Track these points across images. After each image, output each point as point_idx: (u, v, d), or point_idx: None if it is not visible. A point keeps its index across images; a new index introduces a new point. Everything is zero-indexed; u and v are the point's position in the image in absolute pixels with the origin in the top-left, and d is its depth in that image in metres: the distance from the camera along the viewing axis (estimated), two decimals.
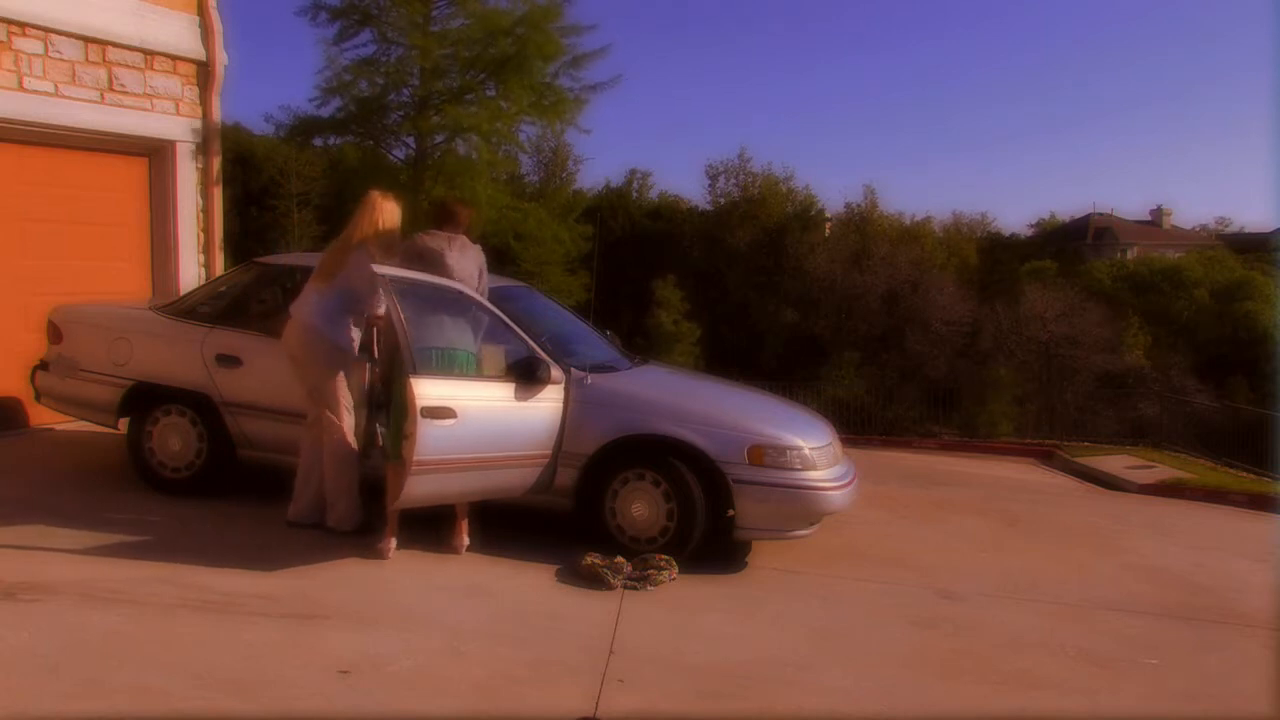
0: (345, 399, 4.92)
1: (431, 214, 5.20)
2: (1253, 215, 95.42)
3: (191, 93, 8.29)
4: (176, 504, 5.34)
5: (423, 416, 4.40)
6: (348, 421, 4.92)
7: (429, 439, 4.43)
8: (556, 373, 5.03)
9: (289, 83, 53.06)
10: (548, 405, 4.99)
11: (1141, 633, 4.68)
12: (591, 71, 13.41)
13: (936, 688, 3.84)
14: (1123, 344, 27.80)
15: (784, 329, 31.08)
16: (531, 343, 5.08)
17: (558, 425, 5.01)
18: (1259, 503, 8.86)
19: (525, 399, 4.91)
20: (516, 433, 4.89)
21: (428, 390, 4.47)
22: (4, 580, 4.04)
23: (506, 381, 4.89)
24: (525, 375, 4.90)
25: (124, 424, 5.74)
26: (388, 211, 5.00)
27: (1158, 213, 52.78)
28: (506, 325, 5.08)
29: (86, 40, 7.43)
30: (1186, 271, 34.53)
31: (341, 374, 4.92)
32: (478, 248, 5.08)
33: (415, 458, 4.41)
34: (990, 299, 29.24)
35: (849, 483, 5.22)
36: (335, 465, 4.94)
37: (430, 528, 5.07)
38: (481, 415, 4.72)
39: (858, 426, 15.95)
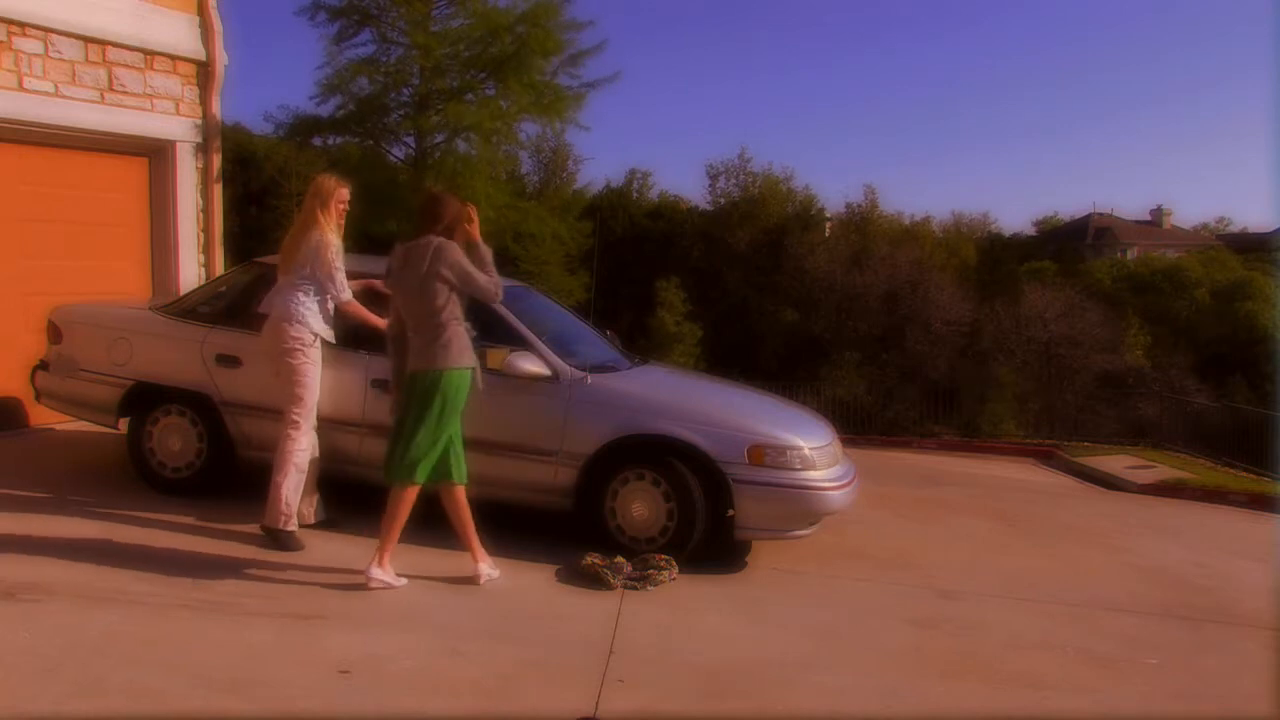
0: (312, 397, 4.80)
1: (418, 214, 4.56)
2: (1253, 215, 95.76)
3: (191, 93, 8.28)
4: (176, 504, 5.33)
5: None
6: (311, 420, 4.84)
7: None
8: (537, 367, 5.06)
9: (289, 83, 53.32)
10: (533, 400, 5.07)
11: (1141, 633, 4.68)
12: (590, 69, 13.43)
13: (936, 688, 3.84)
14: (1123, 344, 27.74)
15: (784, 329, 31.00)
16: (531, 336, 5.18)
17: (554, 421, 5.06)
18: (1259, 503, 8.87)
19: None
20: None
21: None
22: (4, 580, 4.04)
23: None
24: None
25: (124, 424, 5.74)
26: (331, 193, 4.95)
27: (1158, 213, 52.79)
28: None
29: (86, 40, 7.43)
30: (1186, 271, 34.54)
31: (310, 368, 4.79)
32: (439, 243, 4.36)
33: None
34: (990, 299, 29.16)
35: (849, 483, 5.22)
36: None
37: (429, 528, 5.07)
38: None
39: (858, 426, 15.96)
